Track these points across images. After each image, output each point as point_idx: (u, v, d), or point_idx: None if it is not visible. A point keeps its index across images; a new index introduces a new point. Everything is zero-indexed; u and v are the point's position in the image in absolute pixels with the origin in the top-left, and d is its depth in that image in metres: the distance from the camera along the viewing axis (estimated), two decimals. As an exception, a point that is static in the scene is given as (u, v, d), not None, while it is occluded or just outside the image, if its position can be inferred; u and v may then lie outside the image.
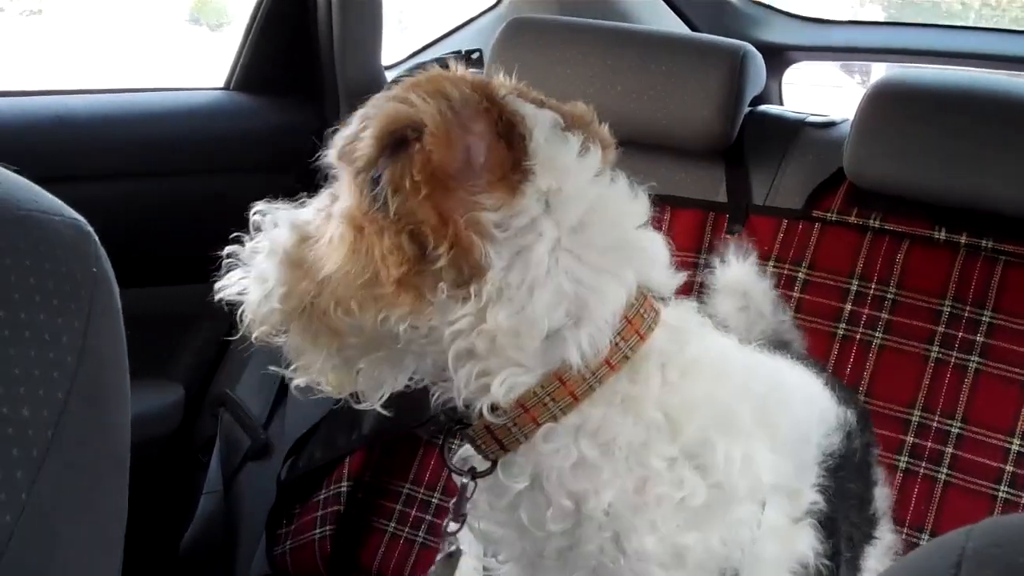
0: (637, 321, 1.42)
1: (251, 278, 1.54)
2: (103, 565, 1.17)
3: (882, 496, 1.97)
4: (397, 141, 1.35)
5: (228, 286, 1.58)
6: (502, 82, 1.50)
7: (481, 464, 1.51)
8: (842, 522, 1.63)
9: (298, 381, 1.57)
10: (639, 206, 1.50)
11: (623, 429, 1.40)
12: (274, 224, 1.55)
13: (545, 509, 1.44)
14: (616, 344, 1.40)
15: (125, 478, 1.23)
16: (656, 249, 1.49)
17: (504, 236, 1.37)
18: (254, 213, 1.58)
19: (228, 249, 1.58)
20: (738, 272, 2.22)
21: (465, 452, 1.52)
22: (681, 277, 1.52)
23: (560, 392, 1.40)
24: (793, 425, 1.55)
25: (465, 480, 1.53)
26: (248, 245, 1.57)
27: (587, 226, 1.41)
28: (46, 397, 1.06)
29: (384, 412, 1.57)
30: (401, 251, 1.37)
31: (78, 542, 1.13)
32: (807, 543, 1.52)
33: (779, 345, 2.01)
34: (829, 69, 4.96)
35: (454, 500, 1.57)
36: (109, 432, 1.18)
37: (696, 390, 1.43)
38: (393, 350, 1.48)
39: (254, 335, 1.56)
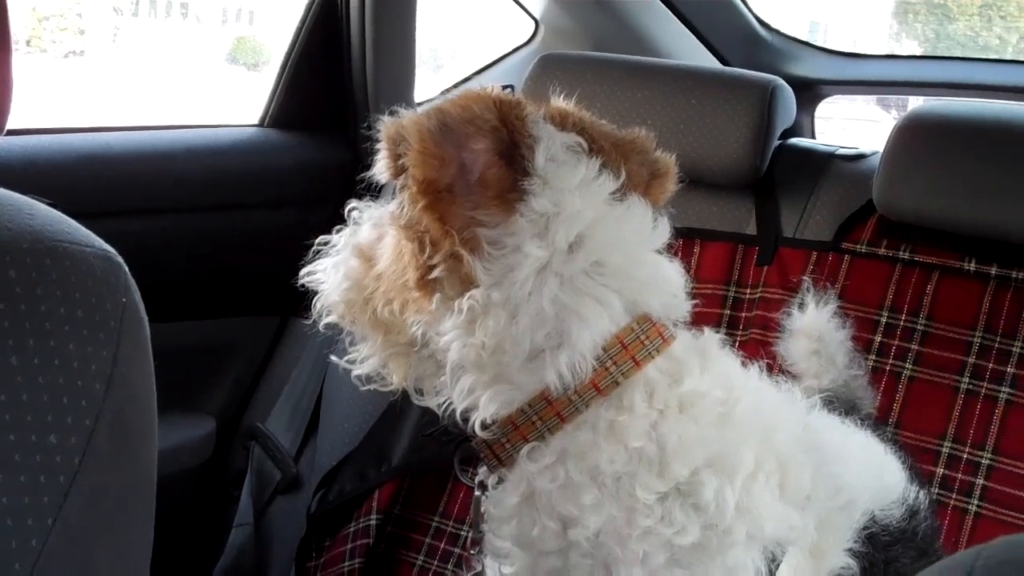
0: (635, 347, 1.41)
1: (329, 267, 1.60)
2: (129, 591, 1.18)
3: None
4: (396, 155, 1.41)
5: (312, 273, 1.64)
6: (531, 103, 1.52)
7: (489, 477, 1.53)
8: None
9: (358, 371, 1.61)
10: (650, 233, 1.50)
11: (609, 456, 1.39)
12: (363, 220, 1.60)
13: (533, 528, 1.45)
14: (607, 368, 1.40)
15: (152, 507, 1.24)
16: (660, 276, 1.50)
17: (497, 254, 1.40)
18: (351, 209, 1.63)
19: (322, 238, 1.65)
20: (815, 317, 2.19)
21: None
22: (689, 305, 1.53)
23: (547, 412, 1.41)
24: (831, 487, 1.51)
25: (477, 492, 1.56)
26: (338, 237, 1.62)
27: (580, 250, 1.41)
28: (74, 424, 1.07)
29: (436, 410, 1.59)
30: (415, 256, 1.42)
31: (104, 568, 1.14)
32: None
33: (848, 406, 1.98)
34: (866, 104, 4.95)
35: (472, 511, 1.60)
36: (136, 460, 1.19)
37: (692, 426, 1.41)
38: (428, 352, 1.52)
39: (322, 323, 1.61)
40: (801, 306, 2.21)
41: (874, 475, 1.69)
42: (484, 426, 1.44)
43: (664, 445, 1.39)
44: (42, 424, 1.04)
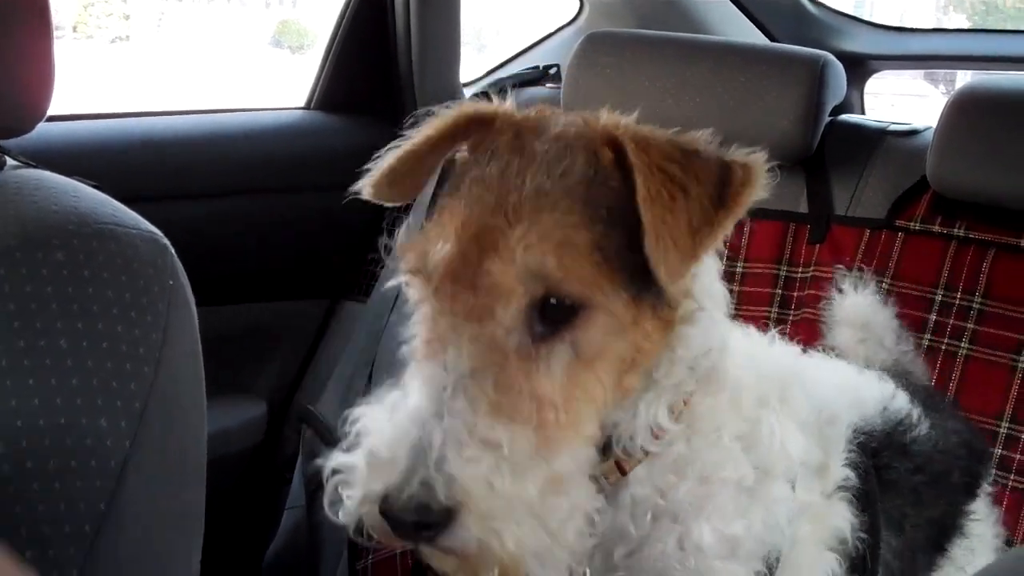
0: None
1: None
2: (179, 573, 1.18)
3: (965, 513, 1.91)
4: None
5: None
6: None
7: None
8: (880, 501, 1.62)
9: None
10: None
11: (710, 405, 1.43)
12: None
13: (632, 508, 1.42)
14: None
15: (202, 487, 1.24)
16: None
17: None
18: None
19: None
20: (857, 303, 2.18)
21: None
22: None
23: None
24: (814, 405, 1.56)
25: None
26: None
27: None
28: (124, 408, 1.07)
29: None
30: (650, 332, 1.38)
31: (155, 550, 1.14)
32: (842, 517, 1.53)
33: (899, 375, 1.97)
34: (913, 79, 4.90)
35: None
36: (186, 442, 1.19)
37: (743, 372, 1.46)
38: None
39: None
40: (840, 292, 2.20)
41: (849, 391, 1.72)
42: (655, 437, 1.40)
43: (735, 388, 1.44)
44: (92, 408, 1.04)
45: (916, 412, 1.78)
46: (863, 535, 1.54)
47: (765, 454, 1.42)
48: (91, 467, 1.04)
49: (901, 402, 1.79)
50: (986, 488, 2.01)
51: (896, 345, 2.17)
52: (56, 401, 1.02)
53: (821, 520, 1.51)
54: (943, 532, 1.83)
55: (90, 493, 1.04)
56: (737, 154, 1.36)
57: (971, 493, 1.92)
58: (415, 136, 1.41)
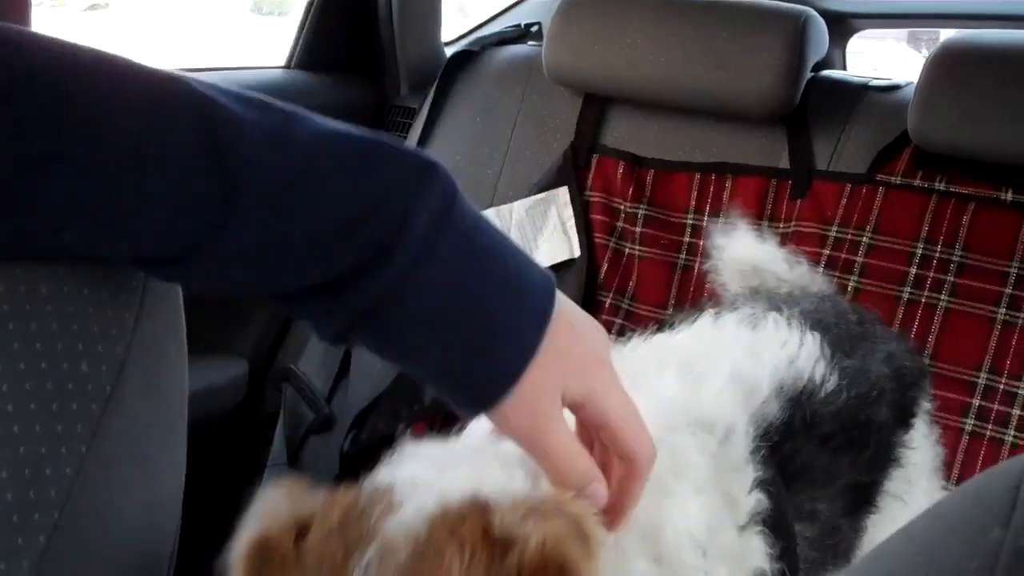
0: None
1: None
2: (160, 521, 1.19)
3: (897, 445, 1.71)
4: None
5: None
6: None
7: None
8: (792, 509, 1.41)
9: None
10: None
11: None
12: None
13: None
14: None
15: (183, 437, 1.24)
16: None
17: None
18: None
19: None
20: (738, 248, 2.08)
21: None
22: None
23: None
24: (708, 439, 1.33)
25: None
26: None
27: None
28: (105, 353, 1.07)
29: None
30: None
31: (136, 497, 1.14)
32: (759, 553, 1.32)
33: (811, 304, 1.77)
34: (896, 42, 4.89)
35: None
36: (167, 390, 1.19)
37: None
38: None
39: None
40: (718, 246, 2.12)
41: (740, 382, 1.46)
42: None
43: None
44: (73, 352, 1.04)
45: (821, 366, 1.54)
46: (779, 565, 1.34)
47: (670, 556, 1.19)
48: (72, 411, 1.04)
49: (804, 359, 1.54)
50: (924, 406, 1.82)
51: (792, 271, 2.06)
52: (36, 345, 1.02)
53: (739, 562, 1.31)
54: (867, 492, 1.64)
55: (71, 437, 1.04)
56: None
57: (903, 423, 1.73)
58: None
